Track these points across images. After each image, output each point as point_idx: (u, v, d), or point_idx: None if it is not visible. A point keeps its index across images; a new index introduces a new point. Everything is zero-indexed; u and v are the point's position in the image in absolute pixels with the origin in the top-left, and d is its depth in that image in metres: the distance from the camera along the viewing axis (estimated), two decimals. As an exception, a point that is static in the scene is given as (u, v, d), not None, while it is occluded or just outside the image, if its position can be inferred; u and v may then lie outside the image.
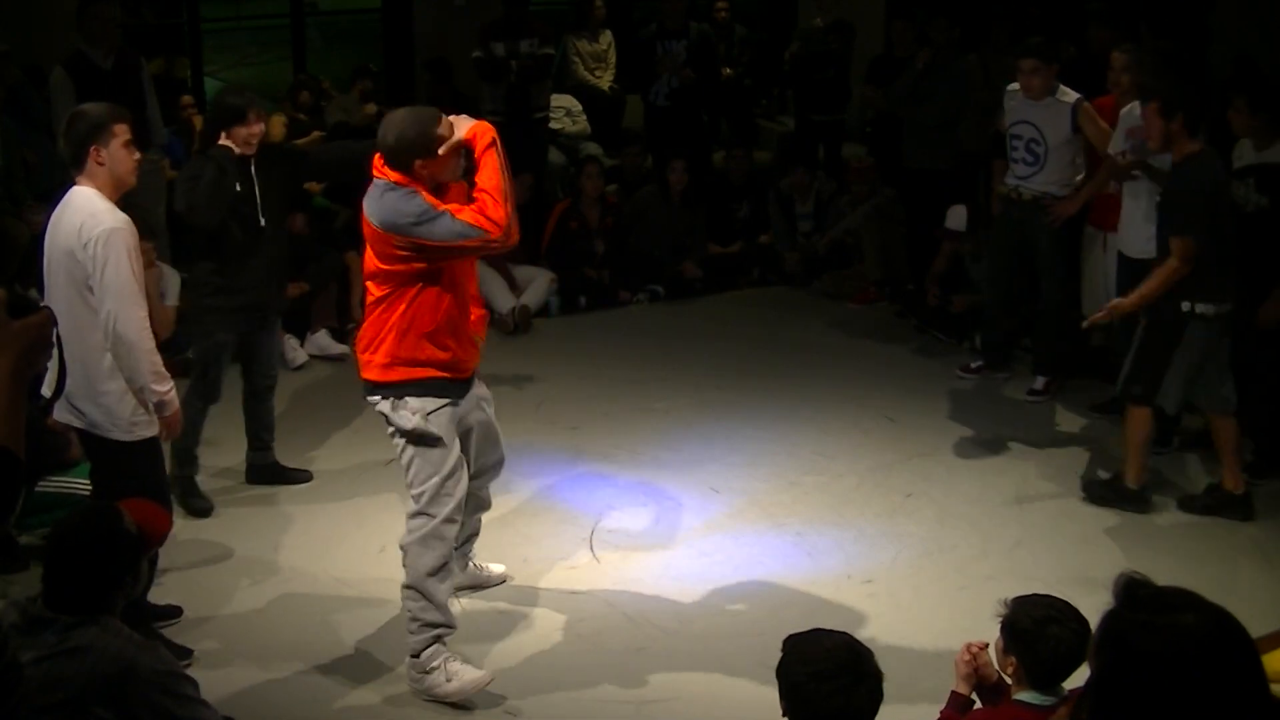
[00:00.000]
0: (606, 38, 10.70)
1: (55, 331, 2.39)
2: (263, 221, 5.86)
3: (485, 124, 4.49)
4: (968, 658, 3.48)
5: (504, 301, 8.38)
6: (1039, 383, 7.35)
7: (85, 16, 7.60)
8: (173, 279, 7.28)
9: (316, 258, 8.03)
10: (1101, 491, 6.09)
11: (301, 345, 7.84)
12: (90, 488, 5.06)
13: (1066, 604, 3.36)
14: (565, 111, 10.55)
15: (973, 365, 7.68)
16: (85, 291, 4.49)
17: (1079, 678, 3.11)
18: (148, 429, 4.68)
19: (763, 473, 6.42)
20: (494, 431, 4.96)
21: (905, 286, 8.85)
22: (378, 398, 4.57)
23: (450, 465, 4.57)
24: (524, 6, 9.74)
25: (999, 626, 3.37)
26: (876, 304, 8.90)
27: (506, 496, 5.83)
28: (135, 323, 4.52)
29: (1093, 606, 2.42)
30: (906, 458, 6.60)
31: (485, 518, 5.25)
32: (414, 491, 4.60)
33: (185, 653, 4.84)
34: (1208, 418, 6.13)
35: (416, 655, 4.63)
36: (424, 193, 4.35)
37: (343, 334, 8.00)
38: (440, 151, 4.36)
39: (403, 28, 11.25)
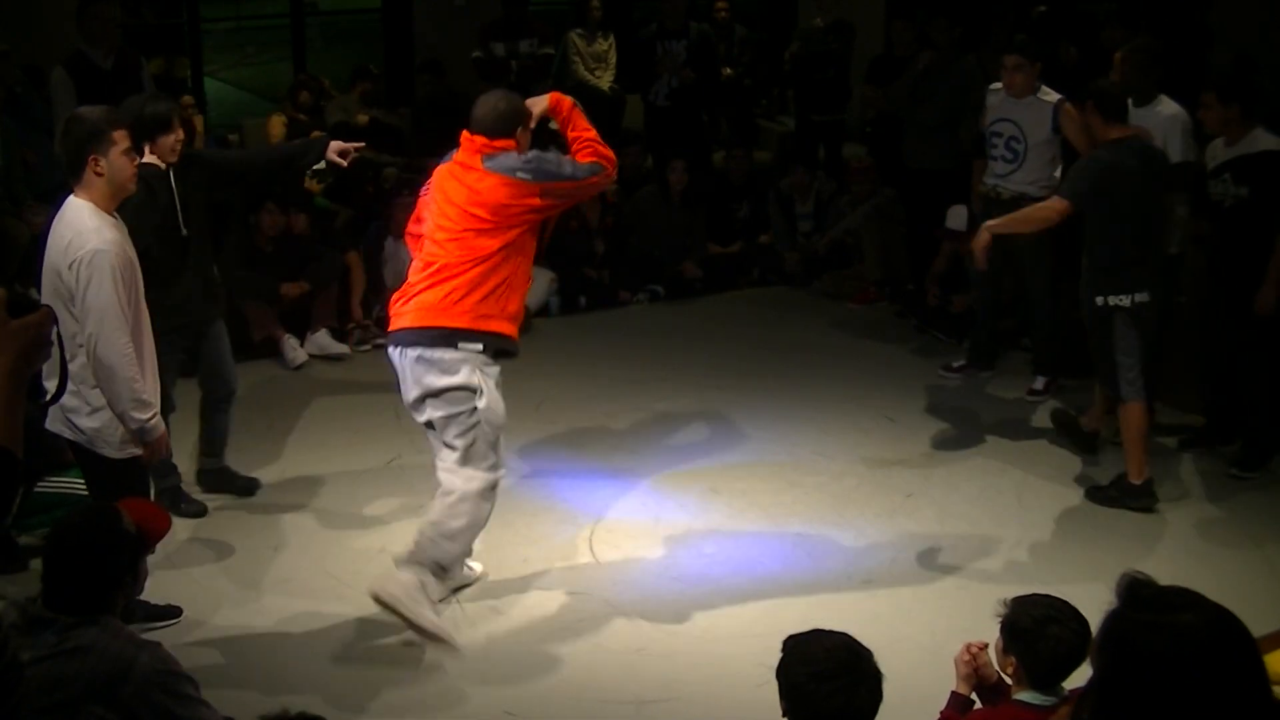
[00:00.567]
0: (608, 39, 10.69)
1: (55, 330, 2.38)
2: (185, 231, 5.58)
3: (560, 94, 5.13)
4: (968, 658, 3.48)
5: (504, 301, 8.37)
6: (1039, 383, 7.35)
7: (85, 16, 7.58)
8: None
9: (317, 257, 8.03)
10: (1108, 494, 6.09)
11: (301, 345, 7.83)
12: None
13: (1066, 604, 3.36)
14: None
15: (955, 365, 7.68)
16: (72, 309, 4.40)
17: (1079, 678, 3.11)
18: (138, 447, 4.63)
19: (763, 473, 6.41)
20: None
21: (905, 286, 8.84)
22: (451, 347, 4.75)
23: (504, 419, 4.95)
24: (524, 6, 9.74)
25: (999, 626, 3.37)
26: (876, 304, 8.89)
27: (506, 496, 5.81)
28: (116, 347, 4.41)
29: (1094, 606, 2.42)
30: (906, 458, 6.60)
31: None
32: (469, 445, 4.80)
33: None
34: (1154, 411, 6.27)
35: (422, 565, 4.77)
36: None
37: (343, 334, 8.00)
38: (533, 121, 4.98)
39: (402, 28, 11.26)
